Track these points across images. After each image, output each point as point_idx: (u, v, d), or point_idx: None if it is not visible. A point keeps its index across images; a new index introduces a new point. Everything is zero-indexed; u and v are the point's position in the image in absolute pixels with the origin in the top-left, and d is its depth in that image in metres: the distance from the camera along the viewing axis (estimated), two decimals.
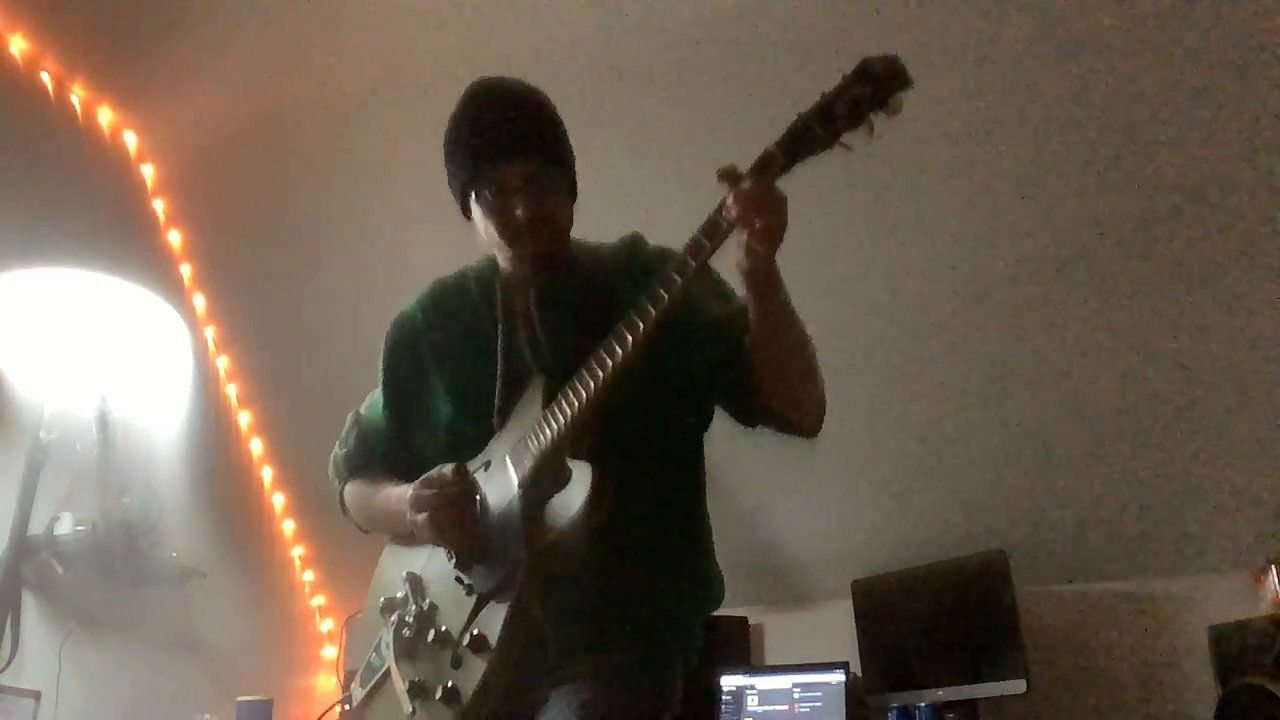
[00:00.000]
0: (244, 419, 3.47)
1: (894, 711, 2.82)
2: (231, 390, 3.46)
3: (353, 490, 1.68)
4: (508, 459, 1.41)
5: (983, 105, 2.40)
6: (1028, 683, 2.60)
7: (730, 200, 1.25)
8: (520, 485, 1.38)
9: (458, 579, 1.40)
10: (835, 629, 3.08)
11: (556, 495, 1.35)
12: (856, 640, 2.99)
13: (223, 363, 3.44)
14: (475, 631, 1.34)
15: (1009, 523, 2.89)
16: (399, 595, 1.48)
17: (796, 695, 2.87)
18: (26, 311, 2.25)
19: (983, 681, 2.69)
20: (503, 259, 1.53)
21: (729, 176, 1.27)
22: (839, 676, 2.83)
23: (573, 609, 1.38)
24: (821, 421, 1.47)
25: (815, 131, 1.20)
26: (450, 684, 1.33)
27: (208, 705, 2.75)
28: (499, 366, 1.49)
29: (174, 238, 3.31)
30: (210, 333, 3.40)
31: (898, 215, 2.64)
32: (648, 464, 1.43)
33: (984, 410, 2.80)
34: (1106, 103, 2.32)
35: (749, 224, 1.25)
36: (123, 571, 2.60)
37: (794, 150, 1.22)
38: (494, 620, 1.33)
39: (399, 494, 1.49)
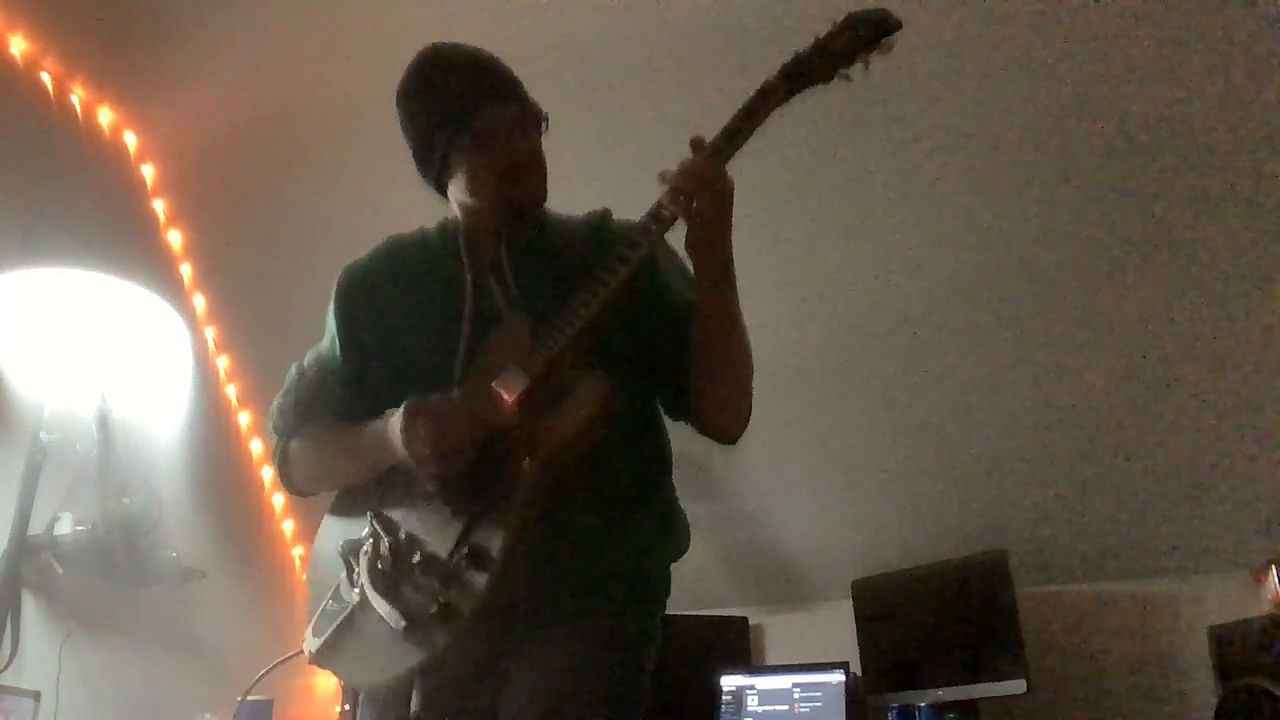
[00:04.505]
0: (244, 419, 3.47)
1: (894, 711, 2.82)
2: (231, 390, 3.45)
3: (305, 441, 1.58)
4: (495, 386, 1.36)
5: (977, 107, 2.40)
6: (1028, 683, 2.59)
7: (671, 177, 1.29)
8: (519, 402, 1.33)
9: (446, 502, 1.34)
10: (835, 629, 3.08)
11: (558, 410, 1.32)
12: (856, 640, 2.99)
13: (223, 363, 3.44)
14: (471, 546, 1.29)
15: (1009, 523, 2.89)
16: (363, 533, 1.40)
17: (796, 695, 2.87)
18: (26, 311, 2.25)
19: (983, 681, 2.69)
20: (475, 209, 1.50)
21: (696, 147, 1.31)
22: (839, 676, 2.83)
23: (554, 550, 1.35)
24: (742, 432, 1.50)
25: (814, 64, 1.32)
26: (444, 602, 1.26)
27: (208, 705, 2.75)
28: (467, 309, 1.46)
29: (174, 238, 3.31)
30: (210, 333, 3.40)
31: (895, 217, 2.63)
32: (626, 397, 1.40)
33: (984, 410, 2.80)
34: (1095, 106, 2.32)
35: (684, 203, 1.28)
36: (123, 571, 2.60)
37: (794, 80, 1.32)
38: (492, 535, 1.29)
39: (378, 427, 1.41)
